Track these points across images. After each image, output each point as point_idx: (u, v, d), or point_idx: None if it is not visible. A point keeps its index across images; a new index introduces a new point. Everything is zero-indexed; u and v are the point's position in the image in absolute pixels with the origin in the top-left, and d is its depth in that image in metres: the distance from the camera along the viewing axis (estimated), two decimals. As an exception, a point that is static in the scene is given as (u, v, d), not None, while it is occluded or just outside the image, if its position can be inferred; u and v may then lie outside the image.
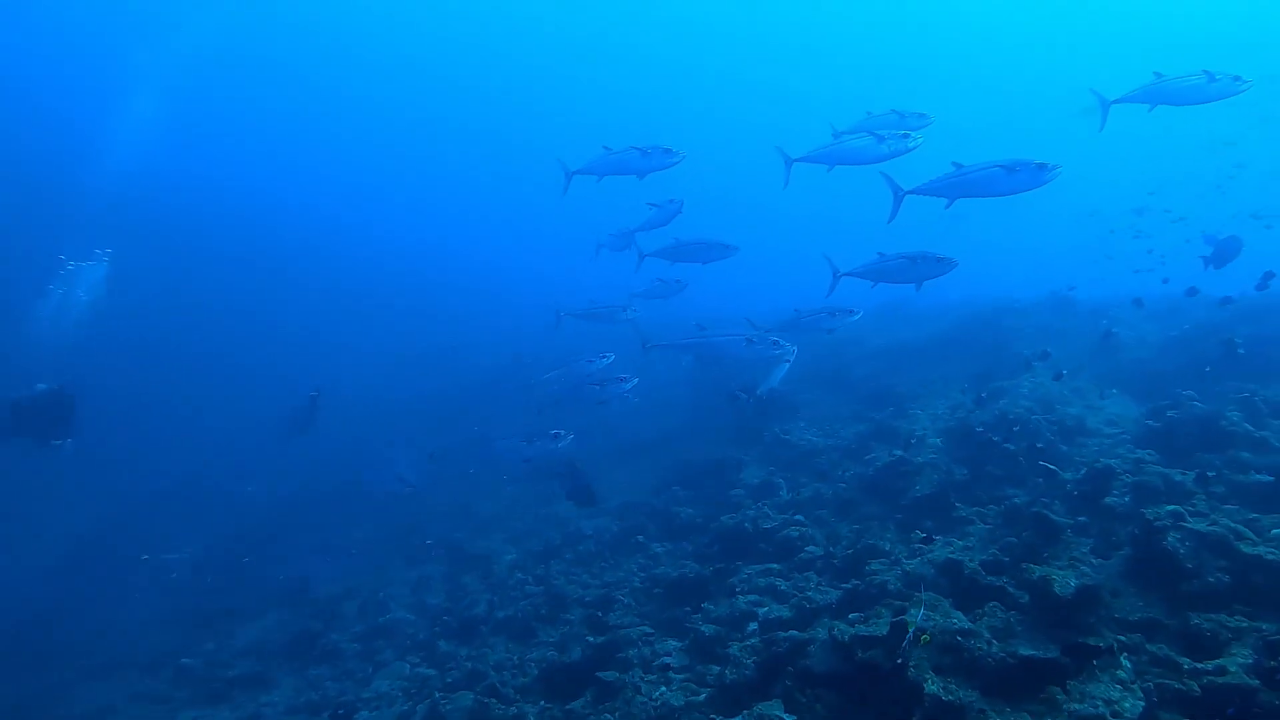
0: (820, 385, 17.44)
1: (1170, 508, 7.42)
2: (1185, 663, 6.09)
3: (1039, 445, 10.90)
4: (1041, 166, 9.11)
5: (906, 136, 10.82)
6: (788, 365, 13.61)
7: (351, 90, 65.05)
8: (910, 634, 6.16)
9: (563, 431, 11.67)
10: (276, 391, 25.00)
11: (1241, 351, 11.52)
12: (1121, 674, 6.15)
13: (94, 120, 45.96)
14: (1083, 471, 9.16)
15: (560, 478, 10.58)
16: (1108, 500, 8.34)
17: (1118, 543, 7.78)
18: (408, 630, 12.49)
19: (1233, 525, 7.17)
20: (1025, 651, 6.44)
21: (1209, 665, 5.87)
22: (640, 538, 12.97)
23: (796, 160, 11.80)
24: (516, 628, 11.39)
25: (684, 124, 65.82)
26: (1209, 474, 8.60)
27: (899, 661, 5.55)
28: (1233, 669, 5.69)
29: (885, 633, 6.90)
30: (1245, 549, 6.88)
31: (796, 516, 11.28)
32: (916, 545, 8.91)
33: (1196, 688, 5.65)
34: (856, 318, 11.75)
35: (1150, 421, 10.57)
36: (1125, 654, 6.41)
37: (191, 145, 52.11)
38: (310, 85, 63.32)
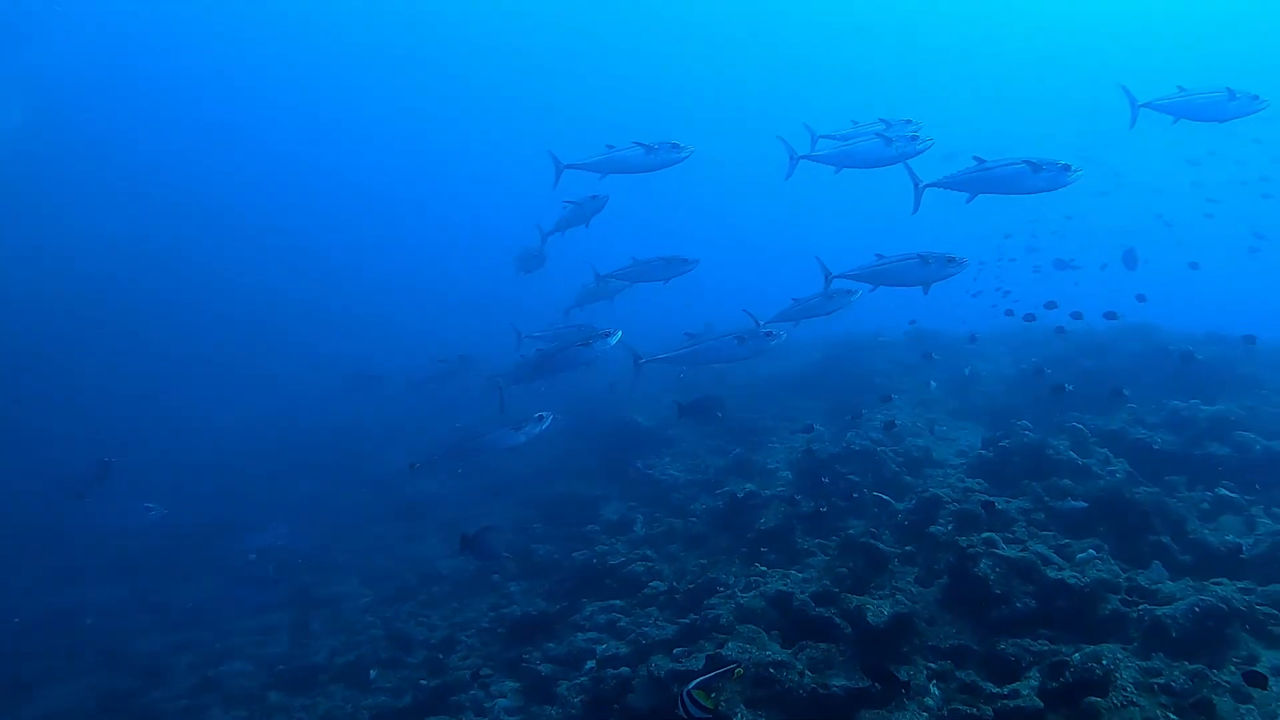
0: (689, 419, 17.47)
1: (985, 535, 7.58)
2: (989, 688, 6.18)
3: (884, 477, 11.11)
4: (1065, 168, 9.23)
5: (915, 139, 10.65)
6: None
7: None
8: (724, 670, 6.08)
9: (545, 414, 11.12)
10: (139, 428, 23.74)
11: (1069, 389, 11.88)
12: (930, 701, 6.21)
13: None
14: (913, 501, 9.30)
15: (467, 542, 10.15)
16: (932, 529, 8.45)
17: (939, 571, 7.89)
18: (241, 683, 11.76)
19: (1042, 551, 7.37)
20: (838, 682, 6.46)
21: (1005, 689, 5.96)
22: (496, 576, 12.69)
23: (802, 158, 11.43)
24: (357, 674, 10.98)
25: (676, 116, 64.36)
26: (1025, 503, 8.87)
27: (682, 698, 5.45)
28: (1025, 692, 5.78)
29: (701, 667, 6.86)
30: (1051, 574, 7.06)
31: (645, 551, 11.21)
32: (753, 578, 8.91)
33: (990, 711, 5.72)
34: (857, 297, 11.01)
35: (984, 451, 10.84)
36: (935, 681, 6.48)
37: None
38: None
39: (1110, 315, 14.21)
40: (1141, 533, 8.24)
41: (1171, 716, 5.16)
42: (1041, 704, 5.54)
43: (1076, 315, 14.53)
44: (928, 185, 10.11)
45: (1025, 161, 9.35)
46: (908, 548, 8.59)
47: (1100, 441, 10.55)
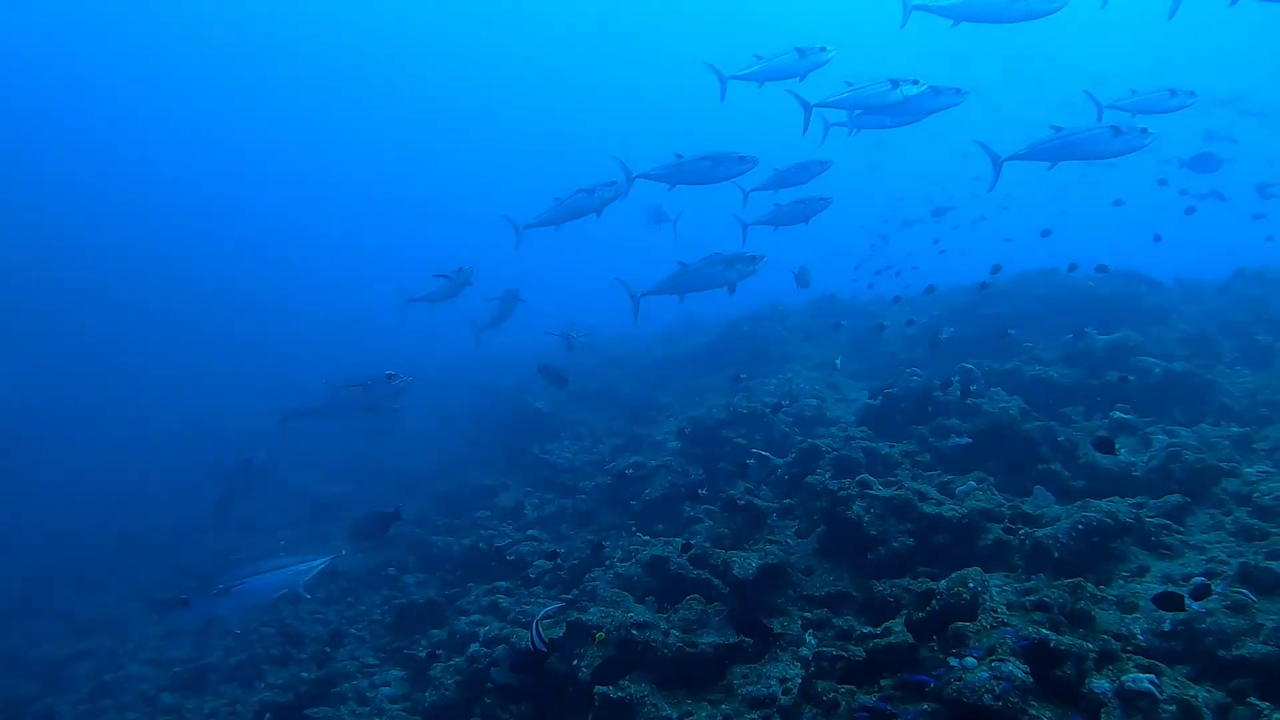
0: (590, 402, 17.05)
1: (859, 477, 7.24)
2: (866, 630, 5.83)
3: (773, 438, 10.75)
4: None
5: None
6: None
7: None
8: (538, 631, 5.66)
9: None
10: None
11: (943, 338, 11.65)
12: (805, 651, 5.83)
13: None
14: (793, 454, 8.94)
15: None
16: (809, 479, 8.07)
17: (817, 520, 7.53)
18: (138, 686, 11.38)
19: (919, 488, 7.04)
20: (708, 639, 6.05)
21: (879, 629, 5.60)
22: (392, 570, 12.24)
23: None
24: (247, 672, 10.63)
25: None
26: (910, 445, 8.57)
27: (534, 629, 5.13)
28: (897, 629, 5.42)
29: (560, 635, 6.44)
30: (928, 509, 6.74)
31: (529, 532, 10.82)
32: (634, 548, 8.49)
33: (861, 652, 5.35)
34: None
35: (870, 400, 10.55)
36: (811, 630, 6.12)
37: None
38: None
39: (996, 270, 13.86)
40: (1030, 463, 7.99)
41: (1045, 631, 4.78)
42: (910, 637, 5.17)
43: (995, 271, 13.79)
44: None
45: None
46: (787, 501, 8.23)
47: (993, 380, 10.33)
